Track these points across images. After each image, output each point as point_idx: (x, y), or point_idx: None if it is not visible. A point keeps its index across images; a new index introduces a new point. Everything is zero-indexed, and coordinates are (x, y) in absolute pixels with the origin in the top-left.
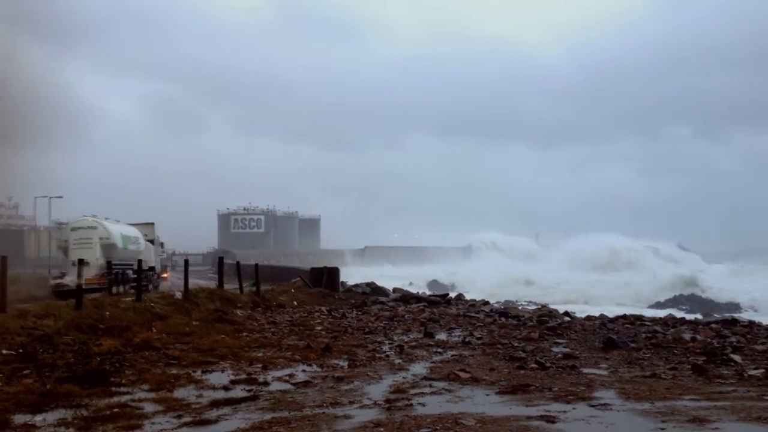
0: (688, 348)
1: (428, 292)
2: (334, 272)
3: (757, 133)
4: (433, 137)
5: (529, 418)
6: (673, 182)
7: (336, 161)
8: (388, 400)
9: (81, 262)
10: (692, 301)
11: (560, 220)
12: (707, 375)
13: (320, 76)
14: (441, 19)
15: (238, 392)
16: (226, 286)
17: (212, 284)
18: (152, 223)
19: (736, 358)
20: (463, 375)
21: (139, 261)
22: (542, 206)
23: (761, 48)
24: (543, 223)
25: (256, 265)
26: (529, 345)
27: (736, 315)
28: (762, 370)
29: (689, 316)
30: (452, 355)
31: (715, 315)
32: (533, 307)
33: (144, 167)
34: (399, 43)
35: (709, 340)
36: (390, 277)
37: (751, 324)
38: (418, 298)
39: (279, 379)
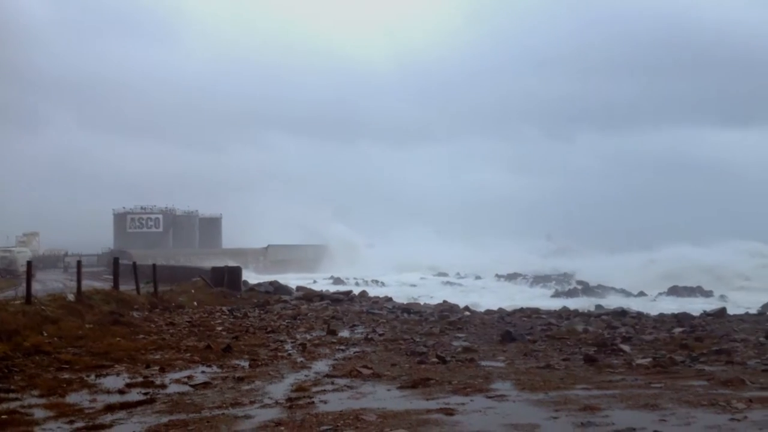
0: (580, 339)
1: (332, 290)
2: (235, 272)
3: (603, 135)
4: (290, 136)
5: (428, 411)
6: (532, 180)
7: (198, 160)
8: (289, 399)
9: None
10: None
11: (426, 217)
12: (598, 365)
13: (150, 76)
14: (268, 27)
15: (134, 396)
16: (123, 288)
17: (107, 286)
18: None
19: (626, 348)
20: (365, 371)
21: (29, 263)
22: (405, 202)
23: (581, 53)
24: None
25: (154, 265)
26: (430, 340)
27: (624, 306)
28: (649, 359)
29: (582, 308)
30: (355, 352)
31: (606, 307)
32: (436, 303)
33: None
34: (225, 45)
35: (600, 331)
36: (294, 278)
37: (640, 315)
38: (321, 296)
39: (177, 381)
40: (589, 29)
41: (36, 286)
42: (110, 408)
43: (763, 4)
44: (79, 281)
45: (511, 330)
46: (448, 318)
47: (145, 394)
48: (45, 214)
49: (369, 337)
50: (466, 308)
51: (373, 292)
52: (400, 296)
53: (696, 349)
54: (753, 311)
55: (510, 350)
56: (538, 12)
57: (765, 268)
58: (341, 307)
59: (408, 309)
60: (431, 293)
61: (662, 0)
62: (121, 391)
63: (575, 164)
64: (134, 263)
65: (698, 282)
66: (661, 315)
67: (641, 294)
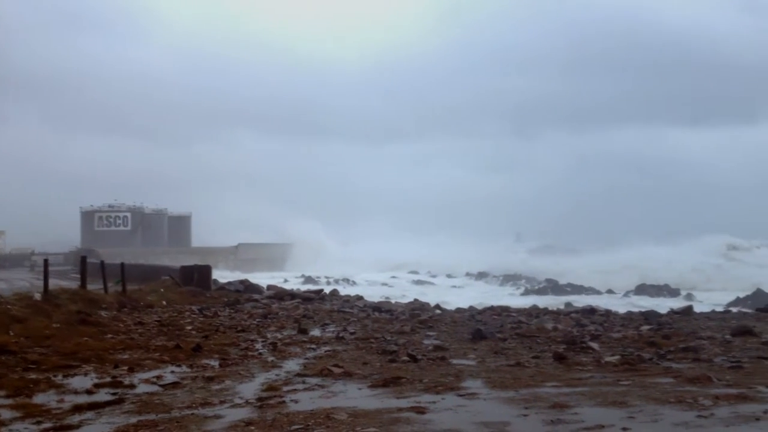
0: (550, 337)
1: (303, 288)
2: (205, 270)
3: (572, 134)
4: (260, 134)
5: (399, 409)
6: (502, 179)
7: (167, 158)
8: (260, 398)
9: None
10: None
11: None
12: (567, 362)
13: (117, 71)
14: (241, 25)
15: (103, 396)
16: (91, 287)
17: (75, 285)
18: None
19: (594, 345)
20: (336, 370)
21: None
22: (376, 201)
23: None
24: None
25: (122, 264)
26: (401, 338)
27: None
28: (617, 357)
29: (551, 306)
30: (326, 351)
31: (574, 305)
32: (407, 301)
33: None
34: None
35: (570, 329)
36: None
37: (608, 313)
38: (292, 295)
39: (146, 381)
40: (559, 31)
41: (1, 285)
42: (78, 408)
43: (726, 9)
44: (45, 280)
45: (482, 328)
46: (419, 316)
47: (114, 394)
48: (11, 212)
49: (340, 335)
50: (437, 306)
51: (345, 290)
52: (372, 295)
53: (663, 346)
54: (719, 309)
55: (481, 348)
56: (509, 13)
57: (733, 262)
58: (312, 306)
59: (379, 307)
60: (402, 292)
61: (630, 2)
62: (89, 392)
63: (545, 164)
64: (102, 262)
65: (665, 280)
66: (629, 313)
67: (609, 292)
